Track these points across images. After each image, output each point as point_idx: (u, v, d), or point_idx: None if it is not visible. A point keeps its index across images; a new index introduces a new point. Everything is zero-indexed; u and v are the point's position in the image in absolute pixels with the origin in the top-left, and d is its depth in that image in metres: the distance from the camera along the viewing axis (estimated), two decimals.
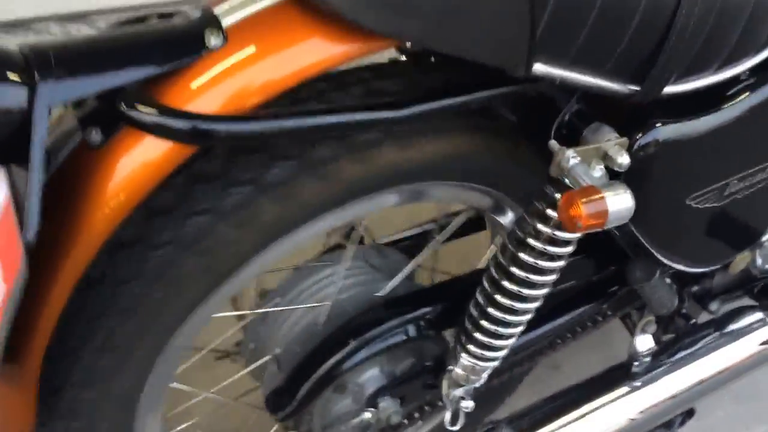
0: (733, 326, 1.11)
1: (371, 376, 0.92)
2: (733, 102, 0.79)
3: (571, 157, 0.71)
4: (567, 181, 0.71)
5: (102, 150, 0.63)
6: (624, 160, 0.72)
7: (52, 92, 0.57)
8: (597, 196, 0.66)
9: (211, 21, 0.63)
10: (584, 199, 0.65)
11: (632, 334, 1.05)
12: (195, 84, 0.63)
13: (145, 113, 0.60)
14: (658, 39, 0.68)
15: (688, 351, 1.07)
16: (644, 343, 1.04)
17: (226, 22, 0.64)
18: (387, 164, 0.74)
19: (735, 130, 0.80)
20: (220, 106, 0.63)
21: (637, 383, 1.02)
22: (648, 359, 1.04)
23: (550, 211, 0.75)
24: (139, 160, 0.64)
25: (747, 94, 0.80)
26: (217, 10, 0.64)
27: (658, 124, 0.75)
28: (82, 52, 0.60)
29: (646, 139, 0.74)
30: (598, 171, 0.71)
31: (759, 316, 1.12)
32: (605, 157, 0.72)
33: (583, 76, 0.68)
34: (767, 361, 1.11)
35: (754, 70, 0.79)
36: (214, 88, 0.63)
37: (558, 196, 0.73)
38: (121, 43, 0.62)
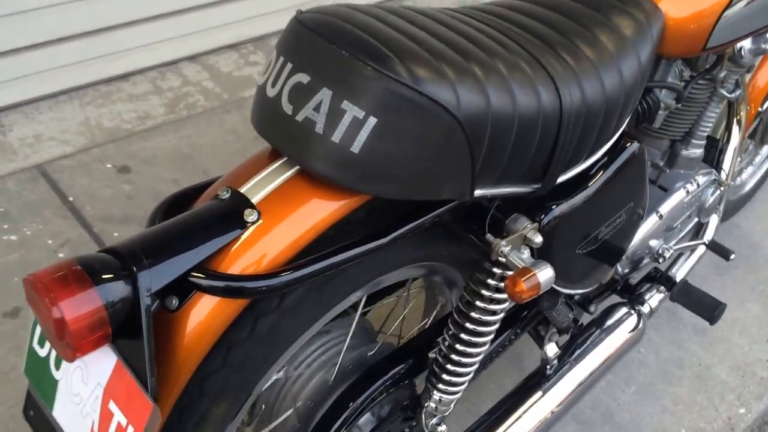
0: (608, 321, 1.46)
1: (368, 419, 1.15)
2: (597, 177, 1.10)
3: (503, 246, 0.98)
4: (504, 261, 0.99)
5: (177, 312, 0.82)
6: (538, 238, 1.00)
7: (148, 279, 0.75)
8: (531, 275, 0.92)
9: (244, 202, 0.83)
10: (523, 279, 0.91)
11: (540, 345, 1.36)
12: (244, 252, 0.82)
13: (215, 281, 0.79)
14: (550, 147, 0.94)
15: (582, 348, 1.40)
16: (552, 349, 1.36)
17: (256, 199, 0.83)
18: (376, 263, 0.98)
19: (600, 195, 1.11)
20: (264, 265, 0.83)
21: (552, 382, 1.34)
22: (555, 362, 1.36)
23: (491, 281, 1.03)
24: (210, 317, 0.83)
25: (603, 170, 1.11)
26: (244, 190, 0.85)
27: (554, 206, 1.04)
28: (163, 243, 0.78)
29: (549, 218, 1.03)
30: (526, 253, 0.99)
31: (625, 310, 1.47)
32: (525, 239, 1.01)
33: (504, 188, 0.95)
34: (636, 344, 1.47)
35: (605, 154, 1.11)
36: (258, 252, 0.83)
37: (498, 271, 1.02)
38: (186, 230, 0.81)
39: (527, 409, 1.29)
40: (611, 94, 0.98)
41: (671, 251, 1.44)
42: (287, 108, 0.82)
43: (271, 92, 0.85)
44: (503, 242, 0.98)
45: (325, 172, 0.83)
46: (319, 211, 0.86)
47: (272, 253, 0.84)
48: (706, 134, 1.46)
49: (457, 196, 0.90)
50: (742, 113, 1.58)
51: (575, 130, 0.96)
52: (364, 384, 1.12)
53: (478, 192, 0.91)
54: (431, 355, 1.17)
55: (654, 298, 1.50)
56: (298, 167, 0.86)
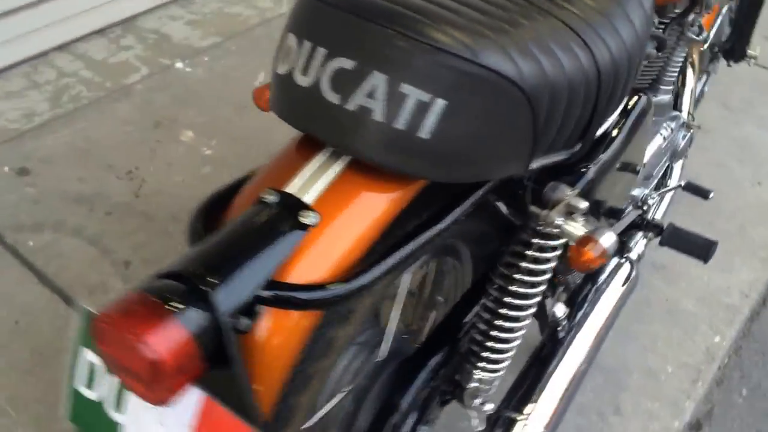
0: (603, 274, 1.48)
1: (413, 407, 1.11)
2: (618, 134, 1.08)
3: (555, 217, 0.96)
4: (557, 232, 0.96)
5: (250, 333, 0.74)
6: (583, 204, 0.97)
7: (225, 301, 0.67)
8: (594, 242, 0.91)
9: (297, 204, 0.75)
10: (588, 248, 0.90)
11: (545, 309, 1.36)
12: (310, 258, 0.75)
13: (293, 294, 0.72)
14: (591, 108, 0.91)
15: (587, 303, 1.41)
16: (560, 310, 1.36)
17: (309, 199, 0.76)
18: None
19: (622, 152, 1.11)
20: (335, 269, 0.76)
21: (570, 340, 1.34)
22: (565, 321, 1.37)
23: (532, 253, 1.01)
24: (287, 334, 0.76)
25: (622, 126, 1.10)
26: (292, 190, 0.76)
27: (585, 169, 1.03)
28: (225, 260, 0.69)
29: (584, 182, 1.02)
30: (580, 221, 0.96)
31: (617, 260, 1.50)
32: (569, 206, 0.99)
33: (551, 157, 0.92)
34: (633, 290, 1.50)
35: (622, 109, 1.10)
36: (326, 256, 0.76)
37: (539, 242, 1.00)
38: (244, 242, 0.72)
39: (556, 372, 1.29)
40: (629, 45, 0.96)
41: (655, 198, 1.47)
42: (332, 97, 0.75)
43: (303, 81, 0.77)
44: (553, 212, 0.96)
45: (389, 163, 0.76)
46: (379, 204, 0.80)
47: (340, 256, 0.77)
48: (673, 80, 1.49)
49: (517, 171, 0.87)
50: (695, 54, 1.63)
51: (609, 87, 0.93)
52: (407, 371, 1.09)
53: (532, 165, 0.89)
54: (463, 336, 1.15)
55: (640, 244, 1.53)
56: (347, 159, 0.80)
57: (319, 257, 0.76)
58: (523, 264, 1.03)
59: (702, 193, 1.63)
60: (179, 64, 2.59)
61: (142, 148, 2.21)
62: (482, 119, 0.77)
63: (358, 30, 0.74)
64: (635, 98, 1.13)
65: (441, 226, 0.85)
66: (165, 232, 1.95)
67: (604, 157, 1.06)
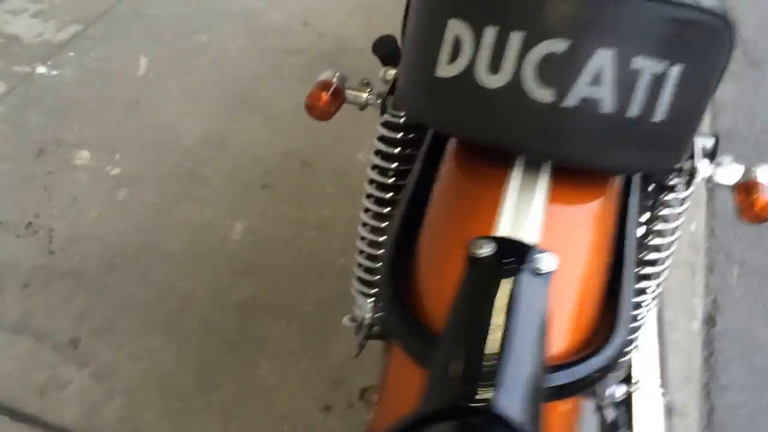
0: None
1: None
2: None
3: (710, 167, 0.80)
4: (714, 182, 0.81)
5: None
6: (711, 141, 0.82)
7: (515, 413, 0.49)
8: (759, 187, 0.76)
9: (522, 248, 0.58)
10: (756, 195, 0.75)
11: None
12: (574, 315, 0.62)
13: (569, 377, 0.59)
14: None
15: None
16: None
17: (533, 237, 0.60)
18: None
19: None
20: (586, 324, 0.63)
21: None
22: None
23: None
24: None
25: None
26: (507, 232, 0.60)
27: None
28: (485, 365, 0.50)
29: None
30: (734, 166, 0.80)
31: None
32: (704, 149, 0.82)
33: None
34: None
35: None
36: (584, 304, 0.64)
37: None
38: (497, 332, 0.53)
39: None
40: None
41: None
42: (542, 94, 0.59)
43: (493, 80, 0.60)
44: (704, 161, 0.80)
45: (616, 163, 0.62)
46: (603, 217, 0.67)
47: (594, 296, 0.64)
48: None
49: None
50: None
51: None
52: None
53: None
54: None
55: None
56: (546, 171, 0.65)
57: (580, 309, 0.62)
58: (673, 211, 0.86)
59: None
60: (41, 69, 2.11)
61: (33, 188, 1.78)
62: (711, 76, 0.64)
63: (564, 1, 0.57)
64: None
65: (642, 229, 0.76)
66: (106, 287, 1.56)
67: None
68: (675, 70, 0.60)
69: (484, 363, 0.51)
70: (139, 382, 1.41)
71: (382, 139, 0.89)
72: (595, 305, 0.65)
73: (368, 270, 0.96)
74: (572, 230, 0.65)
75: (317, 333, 1.50)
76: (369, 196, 0.93)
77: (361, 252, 0.96)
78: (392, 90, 1.13)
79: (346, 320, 1.01)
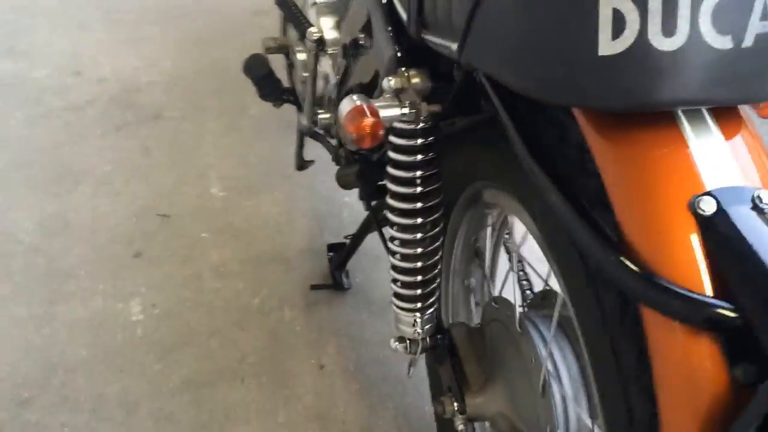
0: None
1: None
2: None
3: None
4: None
5: None
6: None
7: None
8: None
9: (748, 191, 0.60)
10: None
11: None
12: None
13: None
14: None
15: None
16: None
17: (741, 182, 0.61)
18: None
19: None
20: None
21: None
22: None
23: None
24: None
25: None
26: (718, 184, 0.60)
27: None
28: None
29: None
30: None
31: None
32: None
33: None
34: None
35: None
36: None
37: None
38: None
39: None
40: None
41: None
42: (721, 42, 0.59)
43: (672, 43, 0.59)
44: None
45: None
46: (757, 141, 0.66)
47: None
48: None
49: None
50: None
51: None
52: None
53: None
54: None
55: None
56: (708, 117, 0.64)
57: None
58: None
59: None
60: None
61: None
62: None
63: None
64: None
65: None
66: (28, 427, 1.36)
67: None
68: None
69: None
70: None
71: (397, 149, 0.88)
72: None
73: (405, 285, 0.94)
74: (757, 161, 0.65)
75: (275, 379, 1.44)
76: (393, 209, 0.91)
77: (395, 267, 0.94)
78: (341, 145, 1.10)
79: (393, 344, 0.99)
